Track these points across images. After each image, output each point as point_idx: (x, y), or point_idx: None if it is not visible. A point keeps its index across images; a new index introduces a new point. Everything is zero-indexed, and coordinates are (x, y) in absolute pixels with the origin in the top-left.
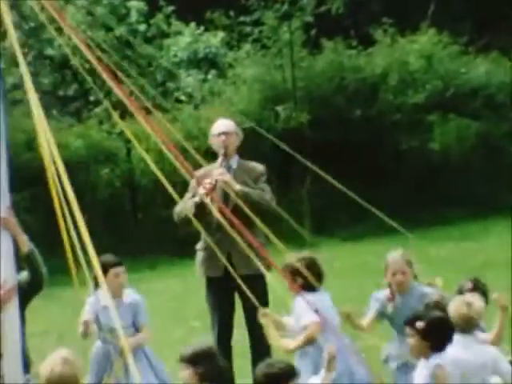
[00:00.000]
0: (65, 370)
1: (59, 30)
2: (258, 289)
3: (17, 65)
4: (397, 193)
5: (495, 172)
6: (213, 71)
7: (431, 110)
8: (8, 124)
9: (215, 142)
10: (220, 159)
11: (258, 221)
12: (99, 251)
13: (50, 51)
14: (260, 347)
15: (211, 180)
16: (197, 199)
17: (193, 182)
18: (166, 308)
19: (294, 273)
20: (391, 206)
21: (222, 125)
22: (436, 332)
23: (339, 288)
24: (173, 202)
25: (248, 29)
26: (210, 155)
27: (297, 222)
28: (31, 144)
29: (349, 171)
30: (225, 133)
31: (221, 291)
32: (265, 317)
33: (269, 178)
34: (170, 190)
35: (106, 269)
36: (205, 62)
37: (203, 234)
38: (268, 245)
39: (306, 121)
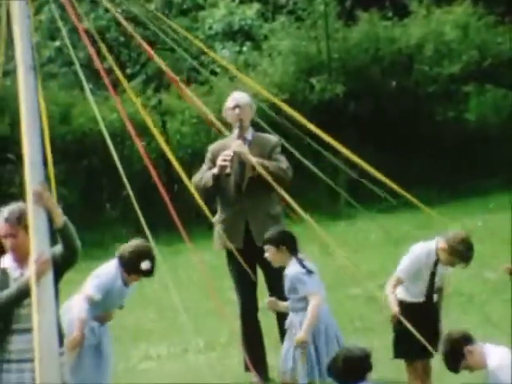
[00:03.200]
0: None
1: (94, 3)
2: None
3: (52, 38)
4: (433, 164)
5: None
6: (248, 43)
7: (467, 80)
8: (43, 97)
9: (230, 115)
10: (236, 132)
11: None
12: (136, 224)
13: (84, 24)
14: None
15: (229, 152)
16: (215, 171)
17: (209, 154)
18: (203, 280)
19: None
20: (427, 176)
21: (236, 98)
22: None
23: (376, 259)
24: None
25: (283, 0)
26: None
27: (332, 193)
28: (66, 117)
29: (385, 142)
30: (239, 106)
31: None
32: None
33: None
34: None
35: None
36: (240, 34)
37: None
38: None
39: (341, 92)
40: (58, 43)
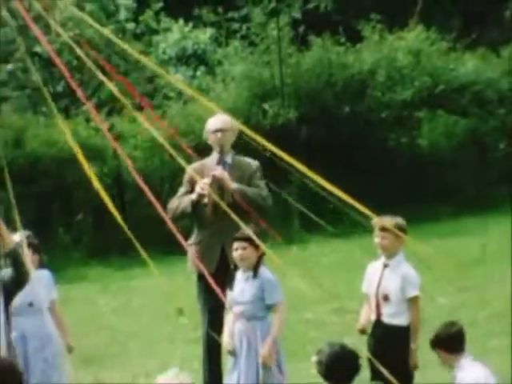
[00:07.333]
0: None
1: (47, 27)
2: None
3: (5, 61)
4: (385, 189)
5: (483, 168)
6: (201, 68)
7: (419, 106)
8: None
9: (211, 139)
10: (216, 156)
11: None
12: (89, 248)
13: (38, 48)
14: None
15: (209, 180)
16: (193, 197)
17: (186, 177)
18: (155, 305)
19: None
20: (379, 202)
21: (219, 121)
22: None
23: (328, 284)
24: (160, 199)
25: (236, 25)
26: (199, 152)
27: (285, 218)
28: (19, 141)
29: (337, 168)
30: (221, 130)
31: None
32: None
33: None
34: None
35: None
36: (193, 59)
37: (197, 228)
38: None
39: (294, 117)
40: (10, 66)
